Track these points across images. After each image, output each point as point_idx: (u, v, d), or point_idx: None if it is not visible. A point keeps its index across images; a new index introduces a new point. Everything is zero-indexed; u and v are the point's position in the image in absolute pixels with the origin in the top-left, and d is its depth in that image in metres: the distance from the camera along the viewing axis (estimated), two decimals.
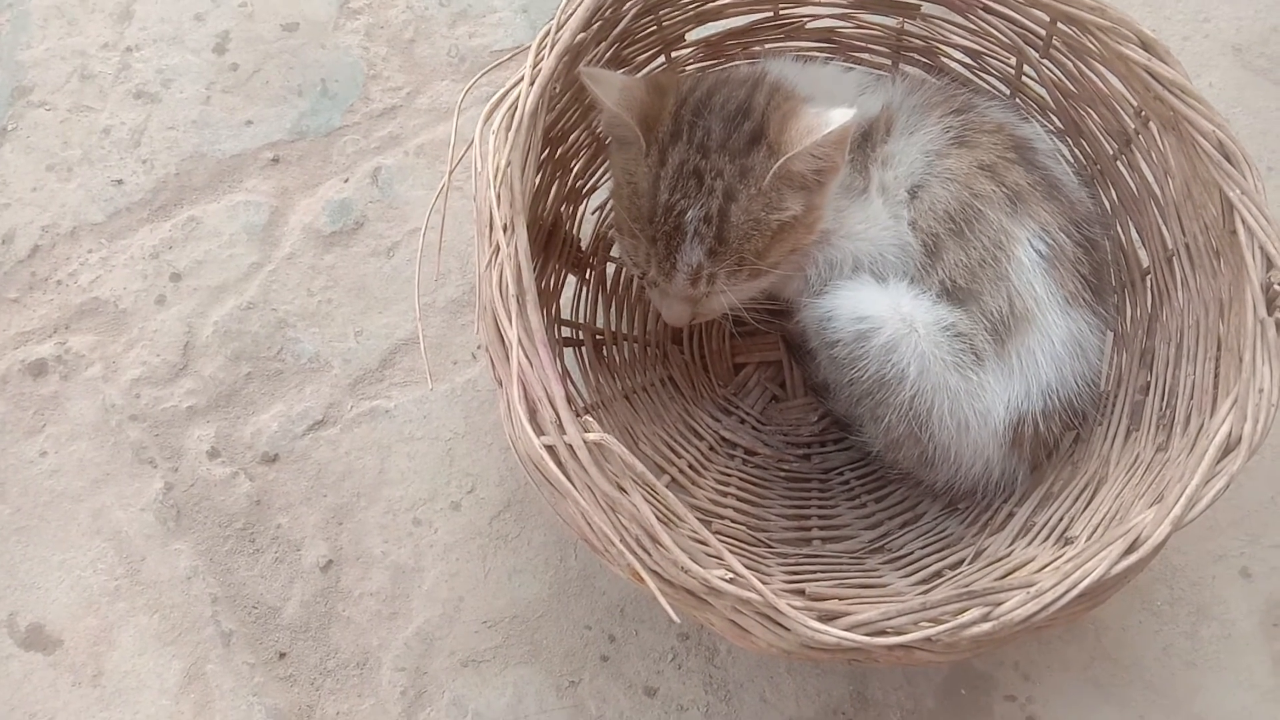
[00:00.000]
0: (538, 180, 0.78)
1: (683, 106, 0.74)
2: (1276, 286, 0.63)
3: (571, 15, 0.68)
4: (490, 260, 0.61)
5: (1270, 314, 0.63)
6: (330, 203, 1.03)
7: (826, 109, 0.70)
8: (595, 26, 0.71)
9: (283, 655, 0.87)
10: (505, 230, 0.60)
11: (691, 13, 0.84)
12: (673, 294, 0.76)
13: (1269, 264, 0.64)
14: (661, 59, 0.88)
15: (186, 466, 0.93)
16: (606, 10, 0.72)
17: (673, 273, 0.74)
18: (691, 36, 0.88)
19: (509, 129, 0.63)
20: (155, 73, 1.08)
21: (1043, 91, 0.85)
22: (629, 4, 0.75)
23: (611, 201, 0.81)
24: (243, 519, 0.91)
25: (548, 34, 0.67)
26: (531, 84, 0.64)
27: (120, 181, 1.03)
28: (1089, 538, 0.69)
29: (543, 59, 0.65)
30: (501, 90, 0.65)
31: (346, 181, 1.04)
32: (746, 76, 0.76)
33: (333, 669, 0.86)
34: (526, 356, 0.58)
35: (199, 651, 0.87)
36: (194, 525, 0.91)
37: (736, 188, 0.71)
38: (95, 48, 1.09)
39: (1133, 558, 0.59)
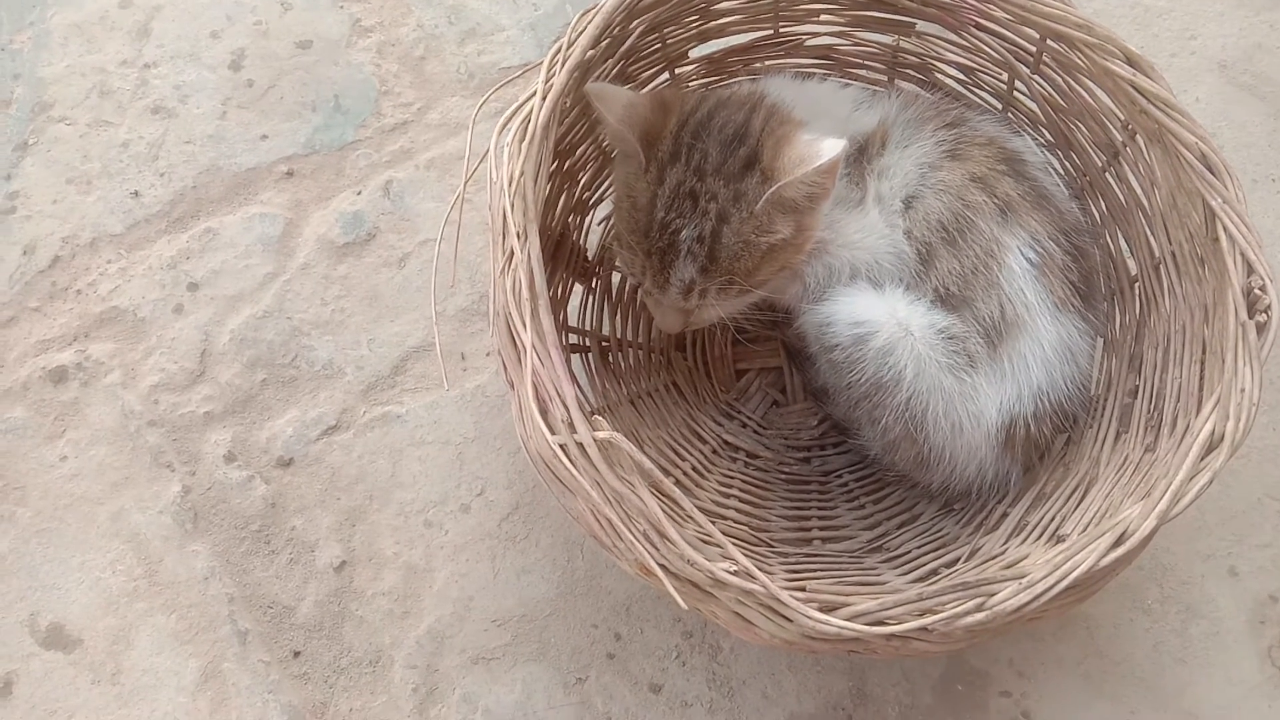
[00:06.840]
0: (547, 191, 0.81)
1: (683, 128, 0.76)
2: (1257, 291, 0.66)
3: (582, 33, 0.71)
4: (505, 266, 0.63)
5: (1251, 317, 0.66)
6: (343, 215, 1.06)
7: (819, 138, 0.73)
8: (604, 44, 0.74)
9: (297, 654, 0.89)
10: (519, 237, 0.63)
11: (695, 31, 0.87)
12: (666, 304, 0.79)
13: (1249, 269, 0.67)
14: (666, 75, 0.90)
15: (204, 470, 0.95)
16: (615, 28, 0.75)
17: (666, 286, 0.76)
18: (695, 54, 0.91)
19: (522, 140, 0.66)
20: (172, 89, 1.11)
21: (1034, 106, 0.87)
22: (635, 22, 0.78)
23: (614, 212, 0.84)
24: (258, 521, 0.93)
25: (559, 50, 0.70)
26: (544, 98, 0.67)
27: (138, 194, 1.06)
28: (1080, 535, 0.71)
29: (555, 74, 0.68)
30: (515, 104, 0.68)
31: (359, 194, 1.07)
32: (746, 98, 0.79)
33: (346, 667, 0.89)
34: (539, 358, 0.61)
35: (216, 650, 0.89)
36: (211, 527, 0.93)
37: (729, 211, 0.74)
38: (114, 64, 1.12)
39: (1120, 550, 0.61)
